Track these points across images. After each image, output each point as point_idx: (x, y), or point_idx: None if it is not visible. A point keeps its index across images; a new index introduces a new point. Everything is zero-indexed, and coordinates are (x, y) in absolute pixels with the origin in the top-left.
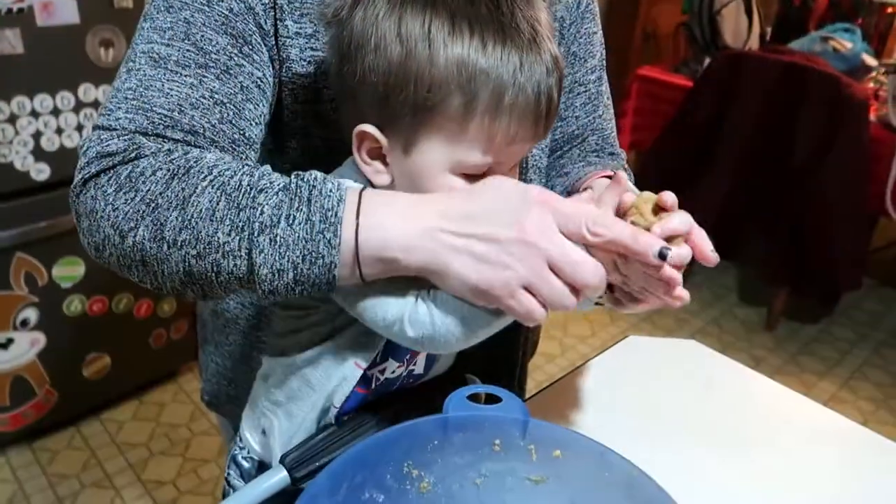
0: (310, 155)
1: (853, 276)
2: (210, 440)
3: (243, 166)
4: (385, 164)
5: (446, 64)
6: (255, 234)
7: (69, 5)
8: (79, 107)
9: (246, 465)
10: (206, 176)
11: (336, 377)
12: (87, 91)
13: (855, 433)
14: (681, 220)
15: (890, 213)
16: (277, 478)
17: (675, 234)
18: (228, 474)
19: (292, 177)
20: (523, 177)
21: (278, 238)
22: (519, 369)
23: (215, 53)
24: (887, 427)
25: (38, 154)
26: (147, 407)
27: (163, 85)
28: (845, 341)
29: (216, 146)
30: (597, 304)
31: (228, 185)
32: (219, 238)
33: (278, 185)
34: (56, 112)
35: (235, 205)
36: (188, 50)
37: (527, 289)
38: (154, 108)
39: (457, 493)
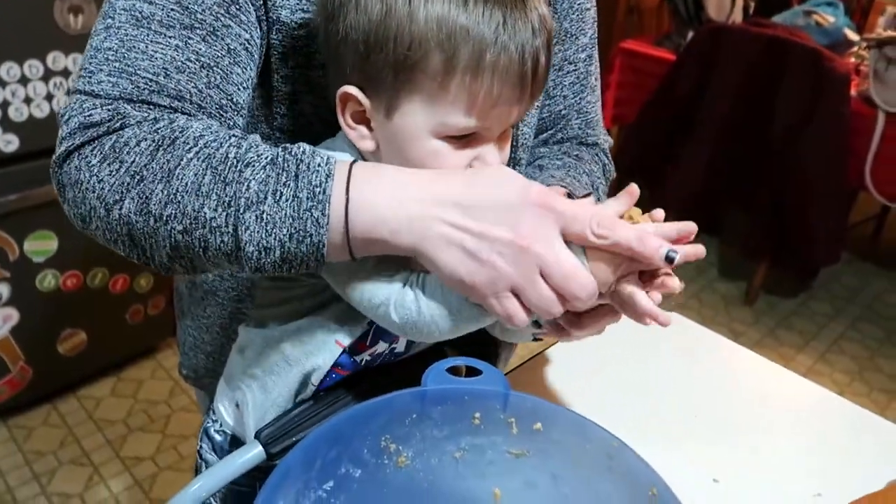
0: (299, 123)
1: (832, 251)
2: (190, 416)
3: (230, 137)
4: (370, 128)
5: (426, 20)
6: (241, 210)
7: None
8: (48, 75)
9: (218, 438)
10: (191, 147)
11: (316, 354)
12: (57, 59)
13: (832, 403)
14: (677, 228)
15: (869, 187)
16: (253, 453)
17: (670, 238)
18: (201, 447)
19: (279, 150)
20: (513, 154)
21: (265, 215)
22: (501, 344)
23: (201, 13)
24: (861, 398)
25: (6, 125)
26: (125, 383)
27: (146, 46)
28: (823, 315)
29: (203, 111)
30: (535, 338)
31: (214, 157)
32: (205, 213)
33: (266, 158)
34: (24, 81)
35: (221, 178)
36: (172, 9)
37: (514, 291)
38: (138, 72)
39: (436, 467)
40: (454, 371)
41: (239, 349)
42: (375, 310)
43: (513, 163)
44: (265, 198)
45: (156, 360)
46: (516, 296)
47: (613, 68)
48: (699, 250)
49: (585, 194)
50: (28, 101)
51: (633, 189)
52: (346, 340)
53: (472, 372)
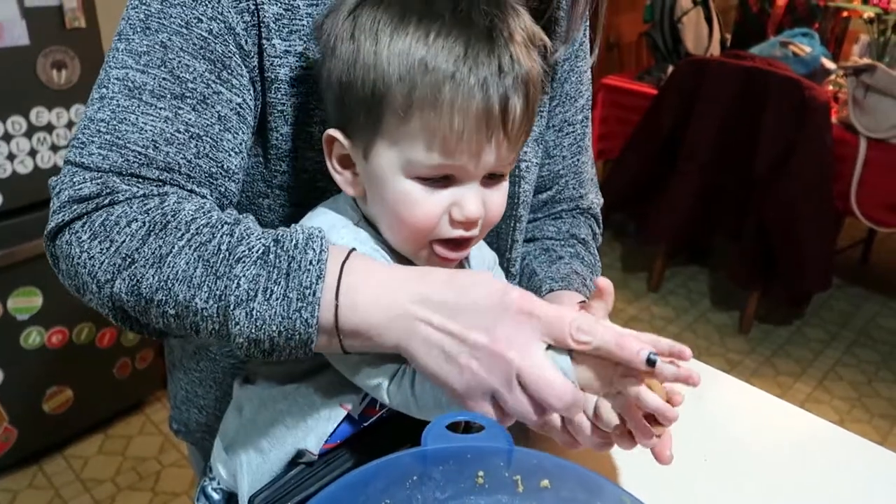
0: (300, 179)
1: (822, 277)
2: (181, 472)
3: (223, 224)
4: (355, 173)
5: (388, 57)
6: (231, 307)
7: (18, 26)
8: (31, 131)
9: (216, 496)
10: (183, 234)
11: (316, 418)
12: (40, 115)
13: (831, 434)
14: (669, 345)
15: (855, 212)
16: None
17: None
18: None
19: (271, 242)
20: (514, 211)
21: (254, 313)
22: None
23: (192, 82)
24: (862, 425)
25: None
26: (113, 440)
27: (137, 118)
28: (818, 341)
29: (193, 181)
30: None
31: (206, 248)
32: (196, 304)
33: (257, 252)
34: (7, 137)
35: (213, 272)
36: (164, 78)
37: (493, 396)
38: (128, 145)
39: None
40: (454, 427)
41: (236, 407)
42: (372, 390)
43: (514, 220)
44: (255, 295)
45: (144, 415)
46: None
47: (596, 104)
48: (693, 377)
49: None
50: (11, 157)
51: (603, 287)
52: (350, 404)
53: (469, 426)
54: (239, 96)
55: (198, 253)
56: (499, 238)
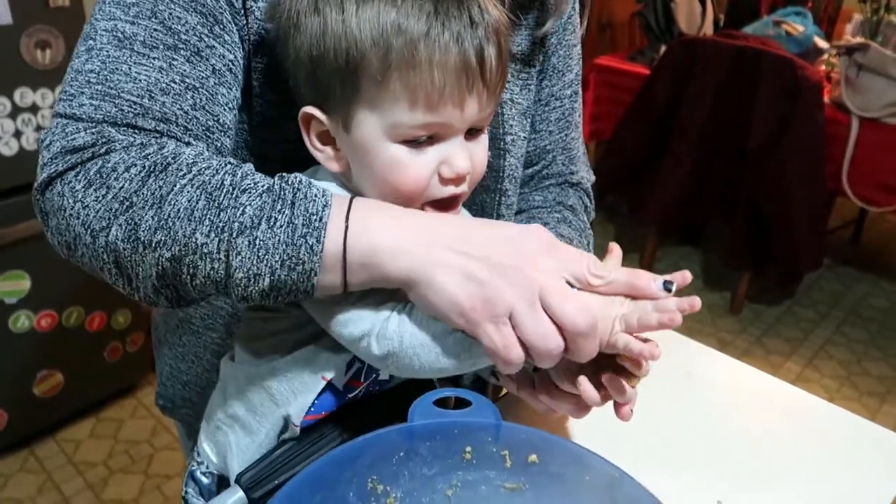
0: (284, 149)
1: (813, 257)
2: (173, 455)
3: (226, 164)
4: (336, 148)
5: (359, 25)
6: (234, 234)
7: (1, 5)
8: (16, 112)
9: (205, 480)
10: (185, 174)
11: (304, 392)
12: (25, 95)
13: (823, 410)
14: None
15: (846, 192)
16: (233, 499)
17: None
18: (186, 492)
19: (276, 178)
20: (499, 185)
21: (258, 241)
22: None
23: (185, 34)
24: (852, 403)
25: None
26: (105, 424)
27: (129, 68)
28: (808, 321)
29: (190, 133)
30: (495, 384)
31: (210, 183)
32: (196, 239)
33: (262, 186)
34: None
35: (216, 204)
36: (156, 29)
37: (511, 320)
38: (122, 95)
39: None
40: (442, 403)
41: (222, 387)
42: (357, 343)
43: (499, 193)
44: (259, 223)
45: (136, 398)
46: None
47: (589, 85)
48: (685, 276)
49: None
50: None
51: (614, 249)
52: (332, 374)
53: (460, 403)
54: (231, 52)
55: (201, 189)
56: (483, 212)
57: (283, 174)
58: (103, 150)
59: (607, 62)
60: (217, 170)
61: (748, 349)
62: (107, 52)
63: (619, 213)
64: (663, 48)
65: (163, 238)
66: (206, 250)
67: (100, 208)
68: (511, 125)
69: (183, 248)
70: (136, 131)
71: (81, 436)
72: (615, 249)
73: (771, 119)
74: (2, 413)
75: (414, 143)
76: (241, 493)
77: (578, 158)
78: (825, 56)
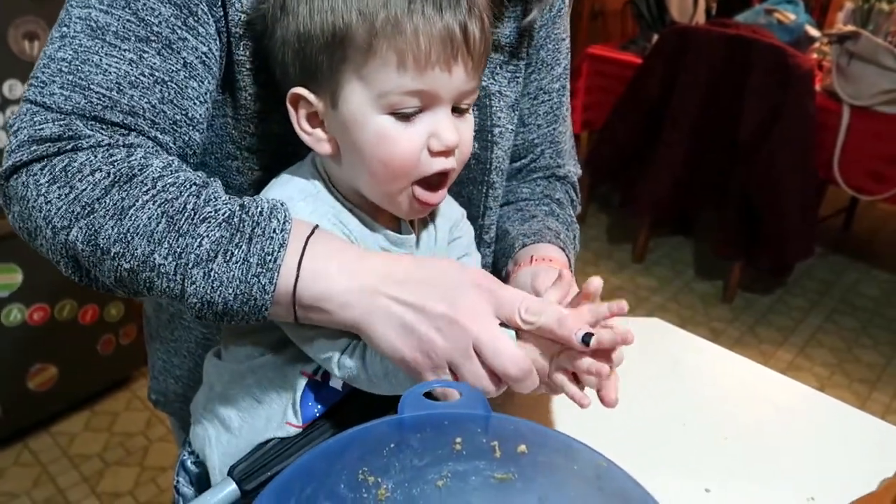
0: (268, 143)
1: (804, 246)
2: (168, 447)
3: (190, 184)
4: (325, 130)
5: (344, 0)
6: (191, 265)
7: None
8: (4, 104)
9: (196, 470)
10: (148, 189)
11: (287, 390)
12: (13, 87)
13: (813, 399)
14: (608, 306)
15: (837, 180)
16: (226, 492)
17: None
18: (177, 481)
19: (237, 207)
20: (486, 178)
21: (212, 273)
22: None
23: (157, 26)
24: (842, 390)
25: None
26: (99, 417)
27: (100, 59)
28: (799, 310)
29: (156, 128)
30: None
31: (172, 206)
32: (154, 259)
33: (223, 214)
34: None
35: (176, 229)
36: (128, 20)
37: (450, 367)
38: (91, 87)
39: (418, 497)
40: (431, 395)
41: (207, 383)
42: (321, 361)
43: (486, 185)
44: (216, 256)
45: (130, 391)
46: (452, 373)
47: (581, 74)
48: (628, 337)
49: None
50: None
51: (564, 277)
52: (311, 369)
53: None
54: (205, 45)
55: (162, 209)
56: (470, 204)
57: (246, 202)
58: (70, 146)
59: (599, 51)
60: (181, 190)
61: (740, 338)
62: (79, 41)
63: (611, 203)
64: (655, 37)
65: (121, 250)
66: (162, 270)
67: (62, 206)
68: (499, 117)
69: (141, 264)
70: (104, 125)
71: (76, 429)
72: (564, 277)
73: (762, 108)
74: None
75: (401, 115)
76: (233, 486)
77: (566, 152)
78: (816, 44)
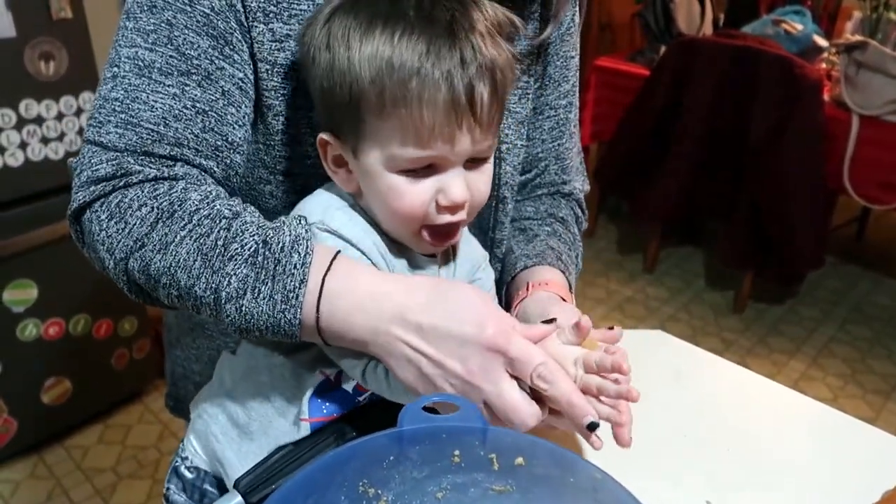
0: (303, 165)
1: (815, 256)
2: None
3: (221, 217)
4: (349, 171)
5: (360, 60)
6: (223, 301)
7: (4, 18)
8: (21, 124)
9: (189, 475)
10: (185, 224)
11: (299, 389)
12: (29, 107)
13: (823, 414)
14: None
15: (848, 190)
16: None
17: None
18: (168, 489)
19: (261, 242)
20: (496, 192)
21: (243, 309)
22: None
23: (196, 59)
24: (856, 401)
25: None
26: (113, 430)
27: (148, 97)
28: (811, 320)
29: (201, 155)
30: None
31: (205, 243)
32: (196, 291)
33: (249, 250)
34: None
35: (209, 266)
36: (171, 55)
37: None
38: (141, 123)
39: None
40: (430, 408)
41: (217, 378)
42: (352, 372)
43: (496, 200)
44: (244, 293)
45: (143, 404)
46: None
47: (589, 86)
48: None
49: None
50: (2, 150)
51: (583, 326)
52: (330, 370)
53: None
54: (241, 71)
55: (197, 244)
56: (480, 218)
57: (269, 237)
58: (122, 183)
59: (607, 63)
60: (213, 226)
61: (752, 348)
62: (129, 80)
63: (621, 214)
64: (663, 48)
65: (168, 281)
66: (203, 301)
67: (120, 240)
68: (507, 134)
69: (186, 293)
70: (153, 158)
71: (89, 442)
72: (583, 328)
73: (770, 118)
74: (11, 420)
75: (412, 172)
76: (239, 498)
77: (573, 168)
78: (825, 54)
